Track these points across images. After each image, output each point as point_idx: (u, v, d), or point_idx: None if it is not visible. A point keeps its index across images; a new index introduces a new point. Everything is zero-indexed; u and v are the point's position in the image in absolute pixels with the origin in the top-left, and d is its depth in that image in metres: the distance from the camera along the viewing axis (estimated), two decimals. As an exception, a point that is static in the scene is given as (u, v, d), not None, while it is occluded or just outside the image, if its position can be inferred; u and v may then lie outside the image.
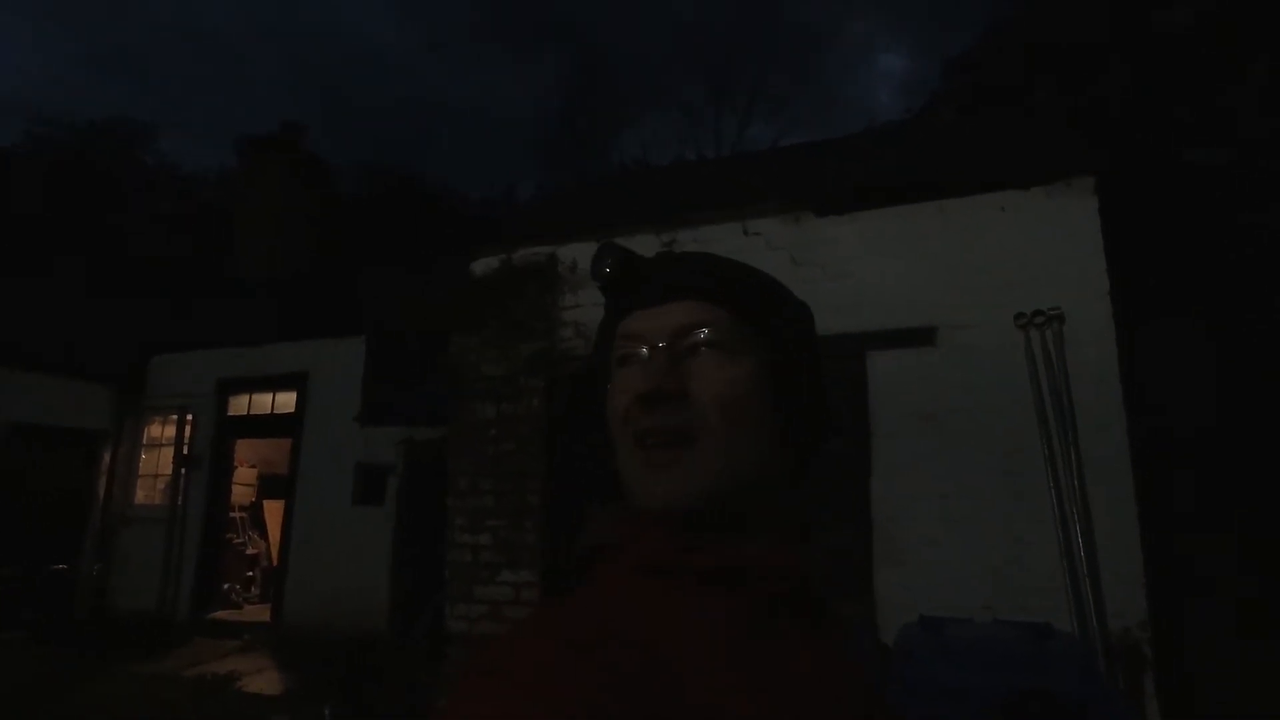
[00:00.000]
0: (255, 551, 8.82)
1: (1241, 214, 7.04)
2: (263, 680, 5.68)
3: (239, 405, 8.11)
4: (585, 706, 0.44)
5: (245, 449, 8.89)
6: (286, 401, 7.77)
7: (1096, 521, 3.21)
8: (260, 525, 9.10)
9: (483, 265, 4.76)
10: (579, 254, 4.50)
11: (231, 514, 8.52)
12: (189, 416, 8.01)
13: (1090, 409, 3.29)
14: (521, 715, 0.44)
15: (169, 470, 8.02)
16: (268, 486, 9.34)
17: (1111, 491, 3.21)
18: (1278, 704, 3.18)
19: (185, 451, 7.91)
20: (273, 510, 8.85)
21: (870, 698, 0.62)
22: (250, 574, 8.64)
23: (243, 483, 9.06)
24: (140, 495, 8.23)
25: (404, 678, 4.96)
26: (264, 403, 7.99)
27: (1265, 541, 3.55)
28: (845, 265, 4.01)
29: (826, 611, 0.64)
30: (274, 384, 7.85)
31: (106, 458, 8.17)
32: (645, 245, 4.36)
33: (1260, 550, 3.63)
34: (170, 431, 8.16)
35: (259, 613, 7.77)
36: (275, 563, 8.03)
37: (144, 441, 8.32)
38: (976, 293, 3.61)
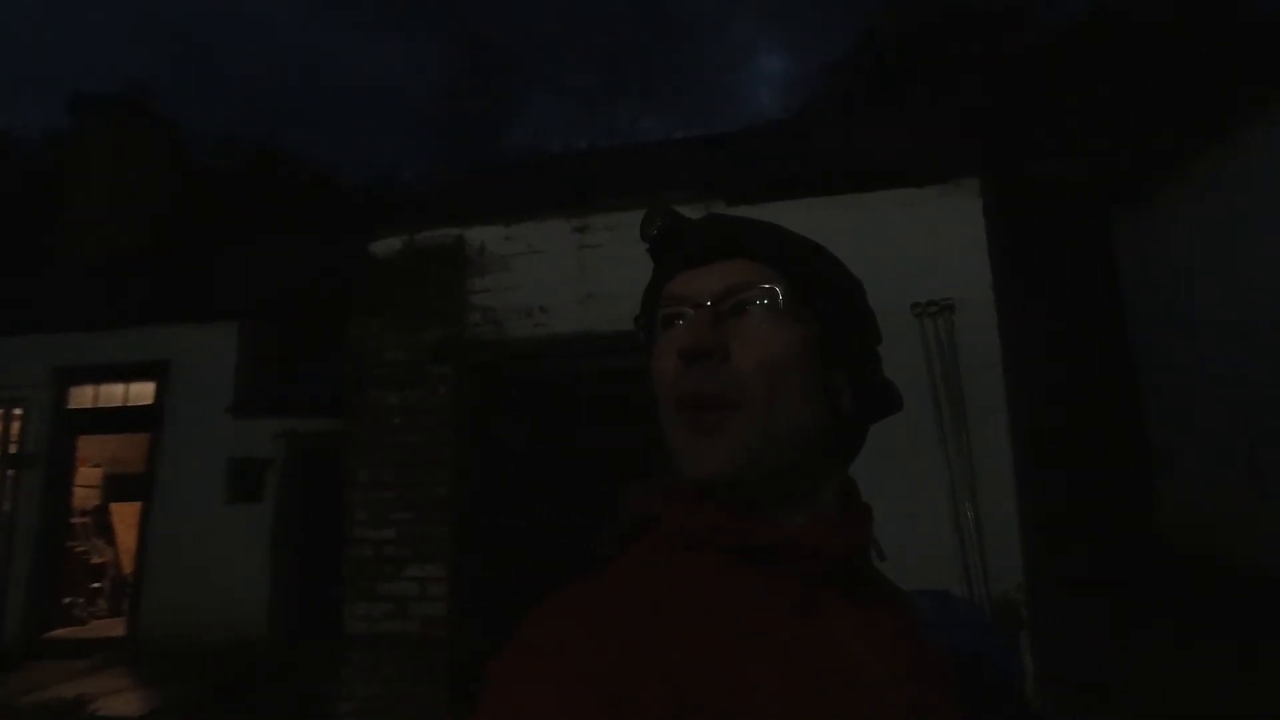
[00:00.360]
0: (102, 560, 7.90)
1: (1087, 224, 7.93)
2: (122, 702, 5.11)
3: (82, 397, 7.20)
4: (609, 687, 0.45)
5: (89, 446, 7.91)
6: (142, 393, 6.99)
7: (981, 495, 3.52)
8: (107, 531, 8.15)
9: (384, 246, 4.49)
10: (488, 237, 4.35)
11: (73, 519, 7.57)
12: (17, 410, 7.02)
13: (977, 393, 3.60)
14: (549, 693, 0.45)
15: (-8, 472, 6.99)
16: (116, 487, 8.39)
17: (994, 468, 3.53)
18: (1127, 658, 3.65)
19: (14, 450, 6.93)
20: (123, 514, 7.96)
21: (927, 670, 0.60)
22: (96, 585, 7.73)
23: (85, 484, 8.08)
24: (-47, 501, 7.12)
25: (294, 685, 4.63)
26: (114, 394, 7.14)
27: (1117, 515, 4.07)
28: (754, 255, 4.15)
29: (876, 586, 0.63)
30: (126, 373, 7.03)
31: (-91, 459, 7.00)
32: (557, 231, 4.30)
33: (1113, 522, 4.16)
34: (-7, 427, 7.11)
35: (110, 628, 6.98)
36: (129, 571, 7.23)
37: (-42, 440, 7.21)
38: (877, 283, 3.77)
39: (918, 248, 3.82)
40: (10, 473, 6.90)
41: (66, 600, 7.21)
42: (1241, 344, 6.25)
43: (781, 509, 0.57)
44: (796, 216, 4.08)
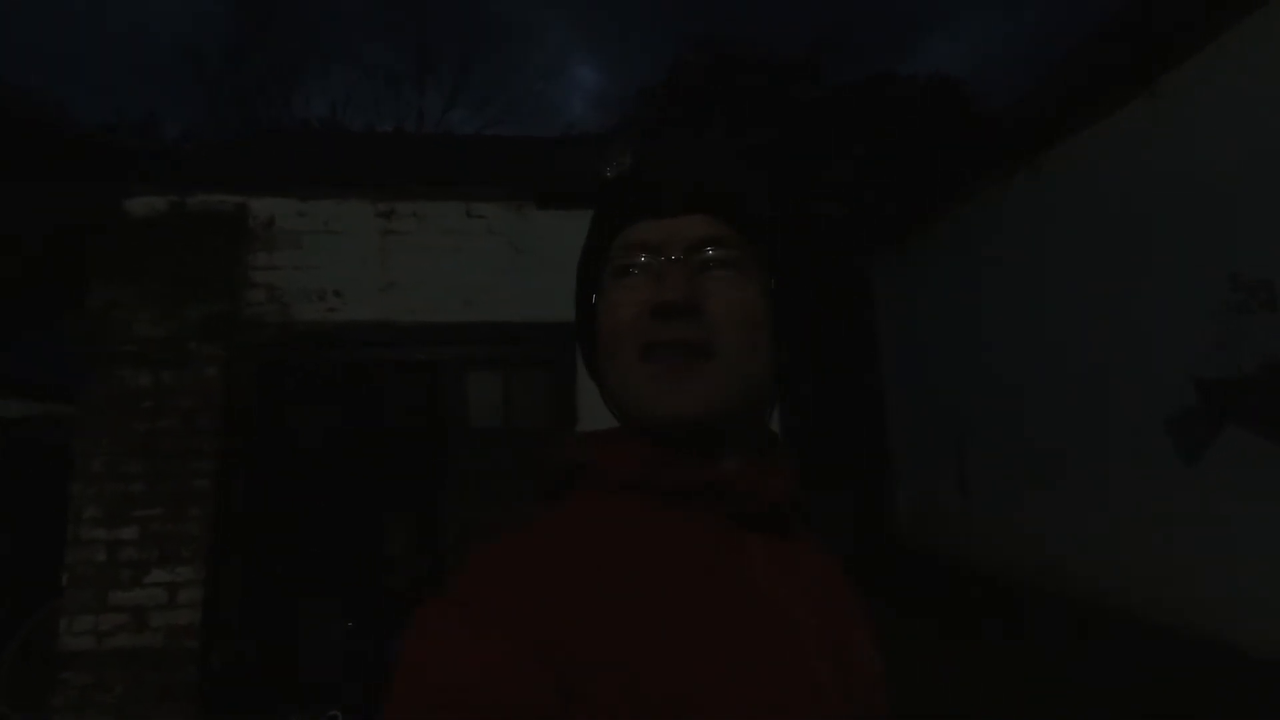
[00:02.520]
0: None
1: (851, 259, 9.09)
2: None
3: None
4: (542, 643, 0.45)
5: None
6: None
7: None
8: None
9: (143, 205, 3.93)
10: (278, 210, 3.99)
11: None
12: None
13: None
14: (478, 650, 0.45)
15: None
16: None
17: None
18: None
19: None
20: None
21: (840, 604, 0.61)
22: None
23: None
24: None
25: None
26: None
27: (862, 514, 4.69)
28: (561, 259, 4.24)
29: (794, 529, 0.64)
30: None
31: None
32: (359, 212, 4.08)
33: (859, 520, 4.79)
34: None
35: None
36: None
37: None
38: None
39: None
40: None
41: None
42: (957, 377, 7.57)
43: (717, 453, 0.58)
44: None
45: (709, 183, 0.61)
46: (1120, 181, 5.61)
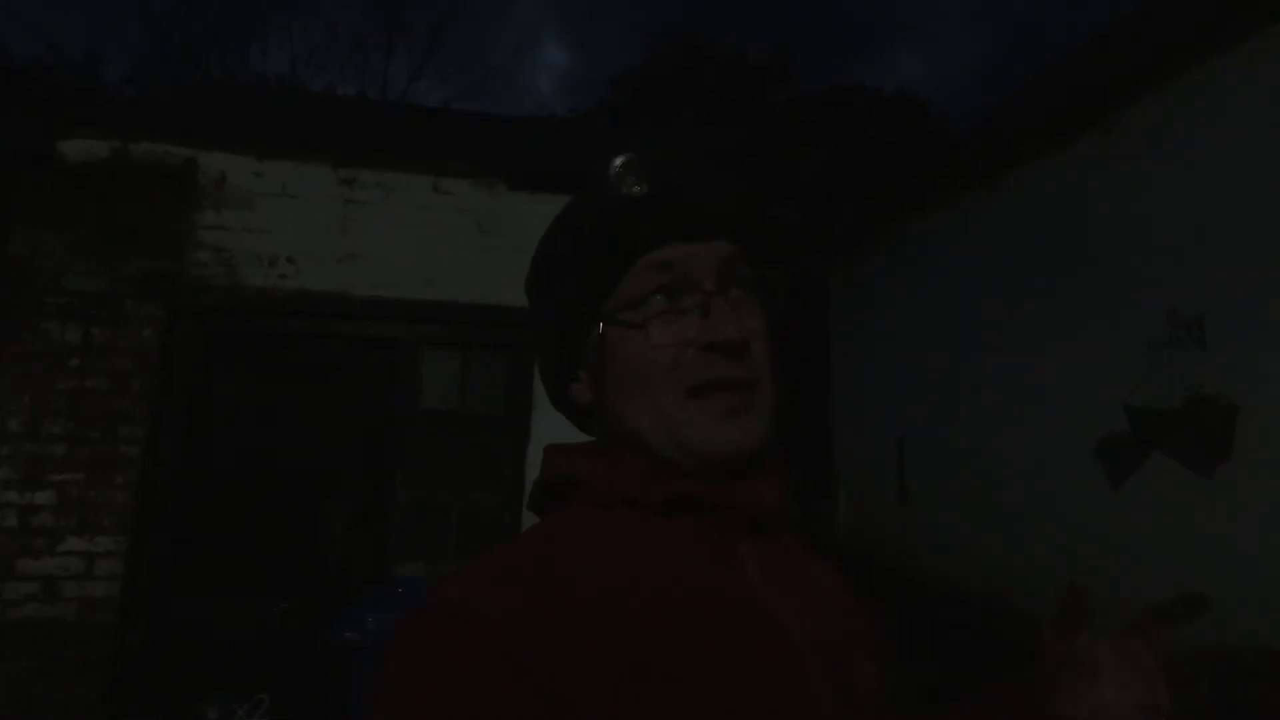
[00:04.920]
0: None
1: (804, 261, 9.22)
2: None
3: None
4: (532, 658, 0.44)
5: None
6: None
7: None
8: None
9: (80, 148, 3.66)
10: (231, 168, 3.78)
11: None
12: None
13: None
14: (466, 664, 0.44)
15: None
16: None
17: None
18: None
19: None
20: None
21: (833, 611, 0.61)
22: None
23: None
24: None
25: None
26: None
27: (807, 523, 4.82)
28: (530, 241, 4.15)
29: (787, 537, 0.64)
30: None
31: None
32: (319, 178, 3.91)
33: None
34: None
35: None
36: None
37: None
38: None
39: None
40: None
41: None
42: (901, 386, 7.79)
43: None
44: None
45: (735, 204, 0.60)
46: (1069, 211, 5.84)
